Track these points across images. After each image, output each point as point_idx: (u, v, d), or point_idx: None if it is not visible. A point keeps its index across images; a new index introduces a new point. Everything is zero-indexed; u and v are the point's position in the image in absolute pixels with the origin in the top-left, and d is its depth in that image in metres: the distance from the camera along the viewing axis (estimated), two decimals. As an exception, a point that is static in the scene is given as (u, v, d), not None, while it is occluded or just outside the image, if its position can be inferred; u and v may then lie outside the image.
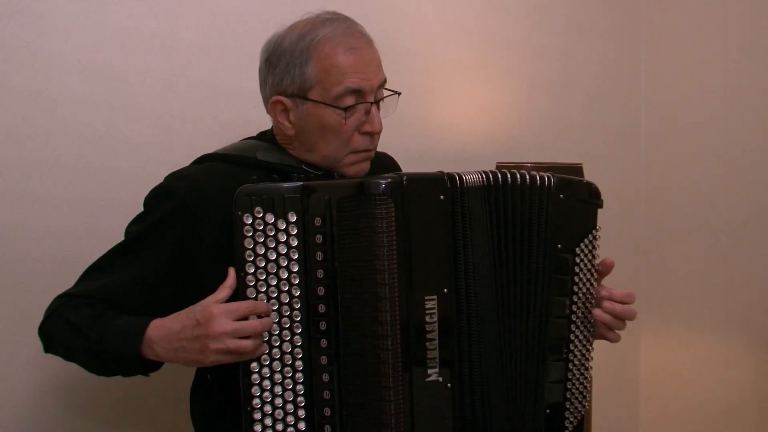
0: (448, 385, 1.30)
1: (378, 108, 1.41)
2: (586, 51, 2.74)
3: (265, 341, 1.26)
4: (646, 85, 2.91)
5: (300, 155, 1.43)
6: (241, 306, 1.24)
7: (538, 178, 1.37)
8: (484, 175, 1.34)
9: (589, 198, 1.43)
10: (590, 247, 1.41)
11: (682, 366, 2.84)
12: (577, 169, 2.29)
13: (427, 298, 1.28)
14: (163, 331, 1.27)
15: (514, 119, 2.56)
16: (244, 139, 1.52)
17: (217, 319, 1.22)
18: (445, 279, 1.31)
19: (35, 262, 1.71)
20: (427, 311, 1.28)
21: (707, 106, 2.75)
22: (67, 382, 1.74)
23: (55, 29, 1.71)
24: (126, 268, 1.37)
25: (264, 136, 1.51)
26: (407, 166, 1.61)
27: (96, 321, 1.31)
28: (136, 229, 1.39)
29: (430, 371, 1.29)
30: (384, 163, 1.65)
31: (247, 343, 1.23)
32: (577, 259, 1.40)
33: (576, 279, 1.40)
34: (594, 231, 1.42)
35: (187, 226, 1.34)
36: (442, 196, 1.31)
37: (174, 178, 1.41)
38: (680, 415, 2.85)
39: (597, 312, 1.41)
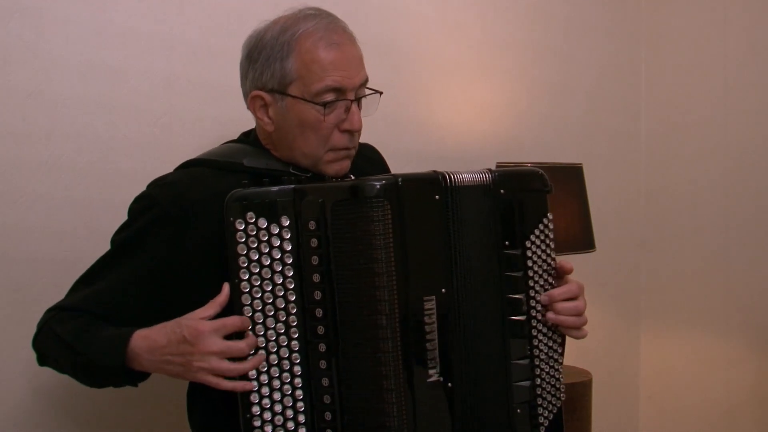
0: (449, 384, 1.30)
1: (359, 106, 1.39)
2: (586, 51, 2.74)
3: (258, 353, 1.25)
4: (646, 85, 2.91)
5: (284, 156, 1.41)
6: (227, 322, 1.22)
7: (475, 176, 1.35)
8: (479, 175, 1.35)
9: (536, 186, 1.40)
10: (542, 237, 1.39)
11: (682, 366, 2.84)
12: (577, 169, 2.29)
13: (425, 298, 1.28)
14: (147, 342, 1.25)
15: (514, 119, 2.56)
16: (226, 142, 1.50)
17: (205, 337, 1.21)
18: (442, 279, 1.31)
19: (35, 262, 1.70)
20: (426, 312, 1.28)
21: (707, 106, 2.74)
22: (66, 381, 1.73)
23: (55, 29, 1.71)
24: (111, 278, 1.35)
25: (247, 138, 1.49)
26: (407, 167, 1.61)
27: (82, 334, 1.30)
28: (121, 238, 1.38)
29: (431, 371, 1.29)
30: (367, 156, 1.63)
31: (230, 366, 1.21)
32: (529, 253, 1.37)
33: (530, 273, 1.38)
34: (545, 219, 1.39)
35: (172, 233, 1.33)
36: (437, 196, 1.30)
37: (157, 185, 1.39)
38: (680, 415, 2.85)
39: (550, 316, 1.39)
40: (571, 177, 2.26)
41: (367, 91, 1.41)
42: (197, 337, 1.21)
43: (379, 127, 2.23)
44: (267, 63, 1.35)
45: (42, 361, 1.40)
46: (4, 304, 1.68)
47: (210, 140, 1.83)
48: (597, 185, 2.48)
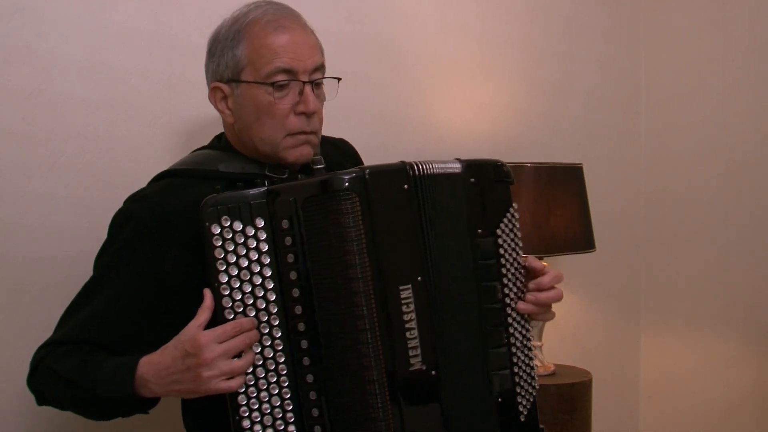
0: (432, 372, 1.31)
1: (314, 90, 1.40)
2: (585, 51, 2.74)
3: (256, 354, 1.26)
4: (646, 85, 2.91)
5: (249, 150, 1.42)
6: (227, 328, 1.23)
7: (447, 166, 1.37)
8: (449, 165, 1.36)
9: (500, 177, 1.42)
10: (510, 226, 1.40)
11: (682, 366, 2.84)
12: (577, 169, 2.29)
13: (402, 288, 1.29)
14: (153, 367, 1.25)
15: (514, 119, 2.56)
16: (198, 149, 1.50)
17: (207, 347, 1.21)
18: (417, 268, 1.31)
19: (35, 262, 1.71)
20: (403, 301, 1.29)
21: (707, 106, 2.75)
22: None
23: (55, 29, 1.71)
24: (100, 302, 1.34)
25: (219, 143, 1.50)
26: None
27: (83, 369, 1.29)
28: (103, 261, 1.38)
29: (413, 360, 1.29)
30: (340, 149, 1.63)
31: (239, 363, 1.22)
32: (500, 240, 1.39)
33: (502, 261, 1.39)
34: (511, 209, 1.41)
35: (153, 245, 1.33)
36: (406, 186, 1.31)
37: (133, 200, 1.39)
38: (680, 415, 2.85)
39: (521, 305, 1.40)
40: (571, 177, 2.26)
41: (326, 78, 1.42)
42: (199, 348, 1.21)
43: (379, 127, 2.24)
44: (221, 54, 1.39)
45: (41, 400, 1.38)
46: (4, 304, 1.68)
47: (210, 140, 1.83)
48: (597, 185, 2.49)
